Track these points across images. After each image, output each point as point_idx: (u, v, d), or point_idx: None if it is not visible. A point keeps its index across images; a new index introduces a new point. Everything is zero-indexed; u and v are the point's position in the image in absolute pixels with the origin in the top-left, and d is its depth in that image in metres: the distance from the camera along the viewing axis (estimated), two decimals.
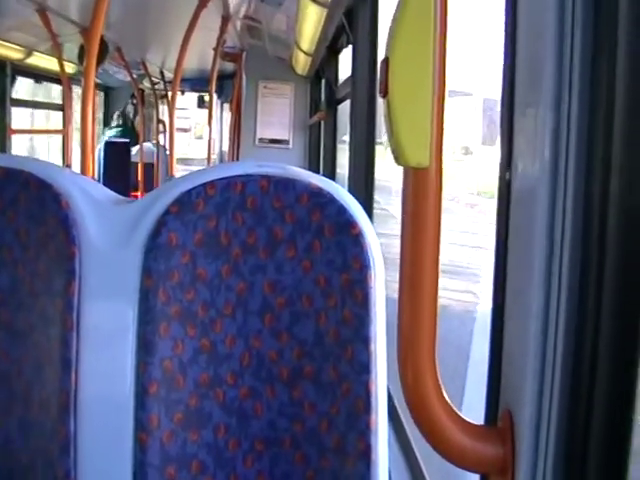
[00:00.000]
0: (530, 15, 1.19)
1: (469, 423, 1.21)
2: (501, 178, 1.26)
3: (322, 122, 6.29)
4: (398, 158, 1.15)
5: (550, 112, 1.11)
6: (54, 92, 9.51)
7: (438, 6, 1.13)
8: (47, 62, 7.65)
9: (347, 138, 4.55)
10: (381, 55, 1.16)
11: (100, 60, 4.65)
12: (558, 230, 1.10)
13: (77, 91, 8.61)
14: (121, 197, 1.62)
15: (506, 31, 1.27)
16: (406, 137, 1.13)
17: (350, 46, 4.05)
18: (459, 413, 1.20)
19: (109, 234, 1.52)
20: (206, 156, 7.67)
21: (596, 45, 1.07)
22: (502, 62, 1.28)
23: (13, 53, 7.11)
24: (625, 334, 1.04)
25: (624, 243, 1.04)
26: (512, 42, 1.24)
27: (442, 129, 1.14)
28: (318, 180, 1.52)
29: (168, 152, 6.60)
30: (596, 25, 1.07)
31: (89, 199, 1.55)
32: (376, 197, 3.61)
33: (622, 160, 1.03)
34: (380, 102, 1.17)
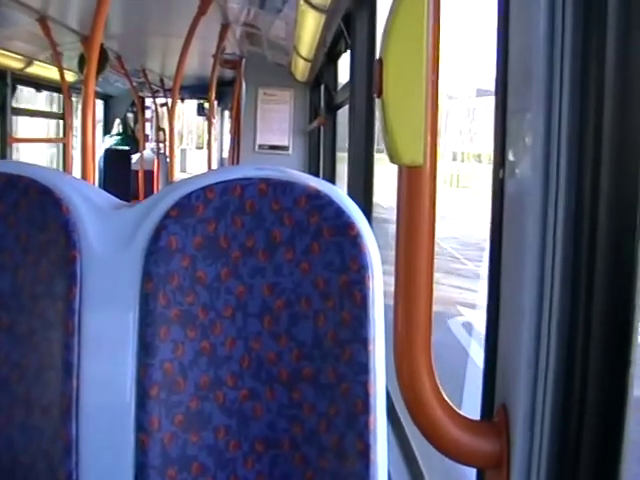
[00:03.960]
0: (521, 20, 1.21)
1: (465, 418, 1.22)
2: (494, 176, 1.27)
3: (322, 128, 6.30)
4: (393, 156, 1.16)
5: (541, 112, 1.13)
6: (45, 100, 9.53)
7: (431, 8, 1.15)
8: (47, 71, 7.69)
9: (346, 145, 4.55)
10: None
11: (100, 69, 4.68)
12: (550, 226, 1.12)
13: (77, 99, 8.65)
14: (121, 202, 1.63)
15: (499, 35, 1.29)
16: (400, 136, 1.14)
17: (348, 51, 4.07)
18: (455, 408, 1.21)
19: (110, 238, 1.53)
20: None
21: (585, 48, 1.09)
22: (495, 63, 1.30)
23: (13, 62, 7.14)
24: (616, 329, 1.06)
25: (615, 239, 1.05)
26: (504, 45, 1.26)
27: (436, 128, 1.16)
28: (316, 182, 1.53)
29: (168, 159, 6.63)
30: (585, 30, 1.09)
31: (90, 204, 1.56)
32: None
33: (611, 156, 1.05)
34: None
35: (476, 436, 1.21)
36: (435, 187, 1.18)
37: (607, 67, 1.05)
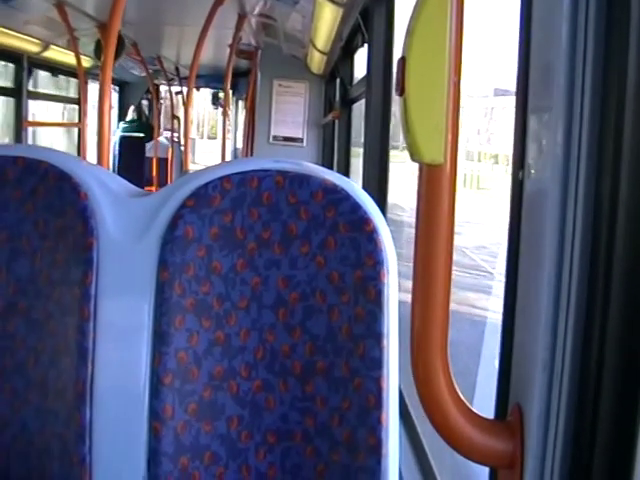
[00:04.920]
0: (544, 20, 1.21)
1: (479, 416, 1.23)
2: (514, 177, 1.28)
3: (336, 121, 6.29)
4: (413, 154, 1.17)
5: (562, 113, 1.13)
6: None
7: (454, 7, 1.15)
8: (63, 56, 7.69)
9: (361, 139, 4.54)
10: (397, 55, 1.18)
11: (116, 55, 4.68)
12: (569, 228, 1.12)
13: (92, 85, 8.64)
14: (138, 189, 1.64)
15: (521, 35, 1.29)
16: (421, 134, 1.15)
17: (365, 46, 4.06)
18: (470, 407, 1.22)
19: (126, 226, 1.54)
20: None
21: (608, 49, 1.09)
22: (517, 64, 1.30)
23: (30, 46, 7.14)
24: (633, 329, 1.06)
25: (633, 242, 1.05)
26: (526, 44, 1.26)
27: (457, 127, 1.16)
28: (333, 177, 1.53)
29: (183, 147, 6.64)
30: (608, 30, 1.09)
31: (107, 191, 1.57)
32: None
33: (632, 160, 1.05)
34: (395, 101, 1.19)
35: (490, 435, 1.22)
36: (455, 186, 1.18)
37: (629, 67, 1.05)
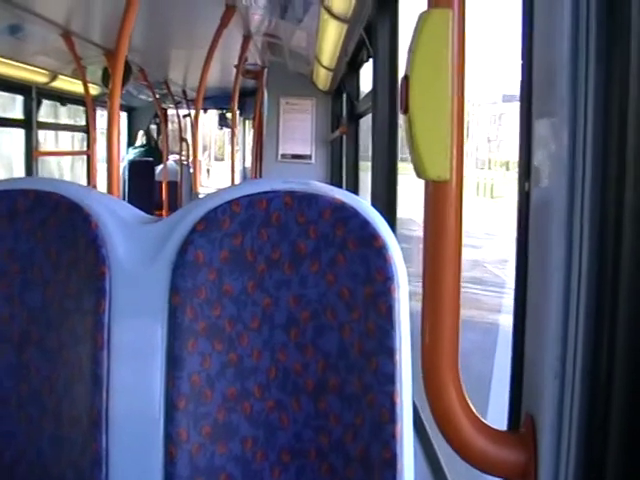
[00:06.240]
0: (546, 28, 1.22)
1: (491, 428, 1.23)
2: (520, 188, 1.28)
3: (344, 137, 6.31)
4: (419, 172, 1.18)
5: (567, 123, 1.13)
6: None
7: (456, 24, 1.16)
8: (71, 85, 7.75)
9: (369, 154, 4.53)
10: (401, 69, 1.19)
11: (124, 81, 4.72)
12: (576, 239, 1.12)
13: (99, 112, 8.69)
14: (148, 216, 1.65)
15: (523, 44, 1.29)
16: (427, 151, 1.16)
17: (370, 60, 4.07)
18: (482, 419, 1.22)
19: (137, 253, 1.55)
20: None
21: (610, 56, 1.10)
22: (519, 74, 1.31)
23: (38, 77, 7.21)
24: None
25: None
26: (529, 54, 1.27)
27: (462, 143, 1.17)
28: (341, 195, 1.54)
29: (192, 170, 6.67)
30: (610, 37, 1.10)
31: (117, 219, 1.58)
32: None
33: (637, 164, 1.05)
34: (401, 115, 1.20)
35: (503, 447, 1.22)
36: (462, 201, 1.19)
37: (632, 71, 1.05)
